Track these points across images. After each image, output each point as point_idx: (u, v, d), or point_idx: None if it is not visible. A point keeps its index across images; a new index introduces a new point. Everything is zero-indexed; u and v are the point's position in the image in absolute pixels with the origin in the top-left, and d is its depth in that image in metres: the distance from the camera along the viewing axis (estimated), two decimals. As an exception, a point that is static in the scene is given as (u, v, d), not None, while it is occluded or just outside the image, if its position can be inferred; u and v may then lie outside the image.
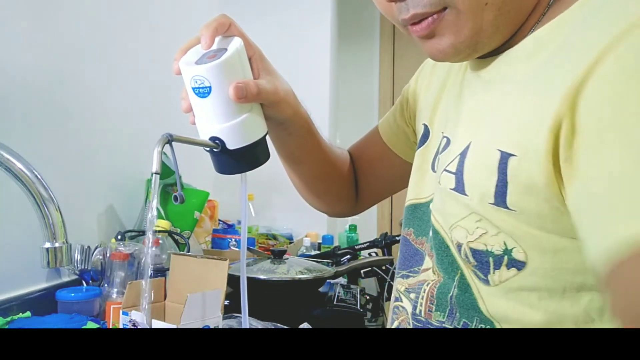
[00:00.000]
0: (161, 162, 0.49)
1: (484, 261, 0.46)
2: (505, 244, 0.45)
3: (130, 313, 0.73)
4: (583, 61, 0.37)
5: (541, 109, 0.40)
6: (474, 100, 0.53)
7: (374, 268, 1.39)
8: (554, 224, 0.42)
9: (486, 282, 0.47)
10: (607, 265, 0.34)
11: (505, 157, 0.43)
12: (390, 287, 1.42)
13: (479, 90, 0.52)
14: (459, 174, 0.49)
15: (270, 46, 2.37)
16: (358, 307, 1.08)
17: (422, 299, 0.53)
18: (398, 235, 1.56)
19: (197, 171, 1.72)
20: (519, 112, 0.43)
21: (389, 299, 1.45)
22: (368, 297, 1.25)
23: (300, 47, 2.06)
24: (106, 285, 0.92)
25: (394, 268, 1.42)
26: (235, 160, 0.55)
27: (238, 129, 0.54)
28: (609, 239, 0.33)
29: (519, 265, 0.44)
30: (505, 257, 0.45)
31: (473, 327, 0.48)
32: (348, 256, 1.50)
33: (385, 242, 1.54)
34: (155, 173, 0.48)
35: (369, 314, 1.14)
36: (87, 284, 0.96)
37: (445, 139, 0.56)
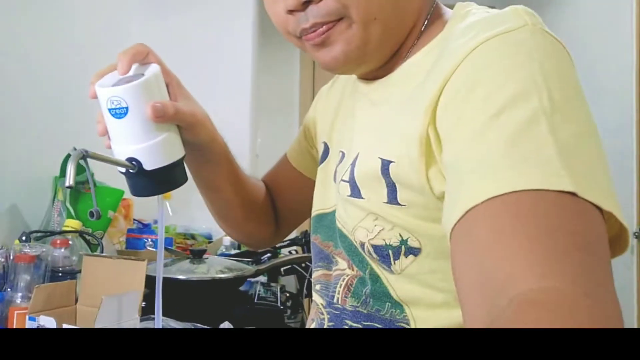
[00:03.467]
0: (74, 175, 0.48)
1: (384, 254, 0.53)
2: (400, 235, 0.51)
3: (38, 318, 0.69)
4: (438, 82, 0.46)
5: (413, 123, 0.48)
6: (362, 118, 0.60)
7: (294, 266, 1.41)
8: (437, 214, 0.47)
9: (391, 272, 0.53)
10: (450, 231, 0.40)
11: (386, 164, 0.51)
12: (310, 283, 1.44)
13: (366, 109, 0.60)
14: (352, 182, 0.55)
15: (192, 45, 2.32)
16: (278, 304, 1.09)
17: (340, 287, 0.58)
18: (318, 233, 1.60)
19: (111, 168, 1.64)
20: (395, 127, 0.51)
21: (308, 295, 1.48)
22: (288, 295, 1.27)
23: (222, 44, 2.03)
24: (9, 289, 0.86)
25: (314, 265, 1.46)
26: (152, 181, 0.55)
27: (155, 149, 0.54)
28: (454, 209, 0.40)
29: (415, 251, 0.51)
30: (402, 247, 0.51)
31: (384, 312, 0.54)
32: (268, 254, 1.50)
33: (305, 240, 1.57)
34: (68, 187, 0.48)
35: (288, 311, 1.16)
36: (-13, 289, 0.89)
37: (340, 154, 0.62)
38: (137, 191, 0.57)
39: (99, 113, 0.55)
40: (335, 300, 0.58)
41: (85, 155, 0.50)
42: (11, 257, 0.88)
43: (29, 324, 0.70)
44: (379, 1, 0.51)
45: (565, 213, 0.36)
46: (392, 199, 0.51)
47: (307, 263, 1.43)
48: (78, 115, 1.42)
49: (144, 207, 1.66)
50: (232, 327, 0.88)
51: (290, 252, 1.62)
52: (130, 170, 0.54)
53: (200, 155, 0.64)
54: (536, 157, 0.37)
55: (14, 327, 0.81)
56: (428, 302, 0.52)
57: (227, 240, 1.70)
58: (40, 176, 1.22)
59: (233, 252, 1.63)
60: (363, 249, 0.54)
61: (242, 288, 1.17)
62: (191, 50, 1.96)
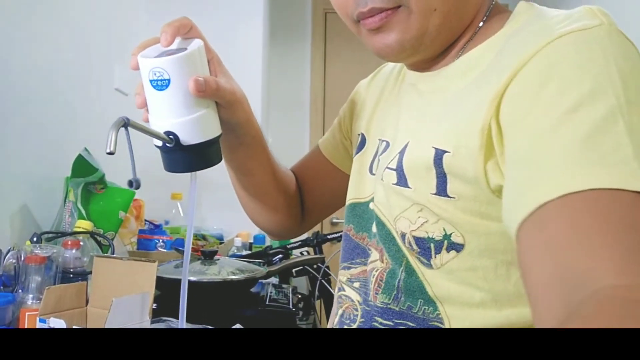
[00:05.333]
0: (115, 142, 0.47)
1: (425, 247, 0.52)
2: (444, 229, 0.51)
3: (48, 320, 0.69)
4: (504, 75, 0.46)
5: (475, 114, 0.48)
6: (411, 108, 0.60)
7: (306, 267, 1.39)
8: (487, 209, 0.48)
9: (429, 266, 0.52)
10: (515, 231, 0.40)
11: (440, 154, 0.50)
12: (322, 285, 1.43)
13: (415, 99, 0.59)
14: (399, 170, 0.55)
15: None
16: (290, 306, 1.08)
17: (372, 284, 0.58)
18: (329, 234, 1.58)
19: (122, 169, 1.64)
20: (452, 118, 0.51)
21: (320, 297, 1.47)
22: (300, 296, 1.26)
23: (232, 44, 2.02)
24: (20, 291, 0.86)
25: (326, 266, 1.44)
26: (187, 157, 0.55)
27: (194, 124, 0.54)
28: (523, 203, 0.40)
29: (457, 247, 0.50)
30: (445, 241, 0.51)
31: (416, 310, 0.53)
32: (280, 255, 1.49)
33: (317, 241, 1.55)
34: (109, 153, 0.47)
35: (300, 313, 1.15)
36: (-2, 290, 0.89)
37: (384, 143, 0.61)
38: (171, 166, 0.56)
39: (138, 85, 0.55)
40: (370, 297, 0.58)
41: (126, 123, 0.48)
42: (22, 258, 0.88)
43: (39, 326, 0.69)
44: None
45: None
46: (441, 190, 0.50)
47: (319, 264, 1.41)
48: (89, 116, 1.42)
49: (155, 208, 1.66)
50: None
51: (302, 253, 1.61)
52: (167, 145, 0.53)
53: (234, 137, 0.63)
54: (613, 156, 0.37)
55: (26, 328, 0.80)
56: (464, 300, 0.51)
57: (239, 241, 1.69)
58: (52, 177, 1.22)
59: (244, 253, 1.62)
60: (403, 239, 0.54)
61: (253, 289, 1.16)
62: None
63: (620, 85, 0.40)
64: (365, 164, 0.65)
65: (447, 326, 0.52)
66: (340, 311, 0.63)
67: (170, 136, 0.53)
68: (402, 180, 0.54)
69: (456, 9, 0.53)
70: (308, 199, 0.81)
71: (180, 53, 0.52)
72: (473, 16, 0.56)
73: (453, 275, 0.51)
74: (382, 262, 0.57)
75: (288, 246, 1.55)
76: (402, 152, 0.55)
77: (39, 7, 1.18)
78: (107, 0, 1.58)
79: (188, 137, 0.53)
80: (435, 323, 0.52)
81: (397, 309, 0.54)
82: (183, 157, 0.55)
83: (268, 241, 1.92)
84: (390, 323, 0.55)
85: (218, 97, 0.56)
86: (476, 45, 0.54)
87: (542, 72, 0.43)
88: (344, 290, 0.64)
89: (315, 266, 1.41)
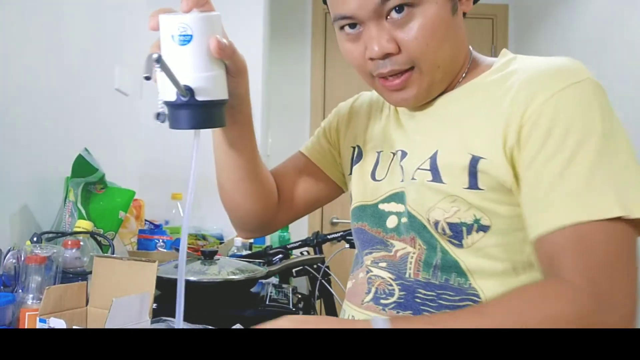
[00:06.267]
0: (152, 69, 0.50)
1: (458, 230, 0.65)
2: (474, 215, 0.64)
3: (48, 320, 0.69)
4: (522, 112, 0.60)
5: (501, 134, 0.62)
6: (421, 126, 0.72)
7: (306, 267, 1.40)
8: (507, 198, 0.63)
9: (460, 246, 0.65)
10: (537, 246, 0.59)
11: (477, 159, 0.63)
12: (322, 285, 1.43)
13: (424, 119, 0.72)
14: (433, 169, 0.67)
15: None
16: (290, 306, 1.08)
17: (411, 264, 0.69)
18: (329, 234, 1.58)
19: (122, 169, 1.64)
20: (477, 131, 0.65)
21: (320, 297, 1.47)
22: (300, 296, 1.26)
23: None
24: (20, 291, 0.86)
25: (326, 266, 1.44)
26: (197, 114, 0.58)
27: (209, 81, 0.58)
28: (540, 224, 0.58)
29: (485, 228, 0.64)
30: (475, 224, 0.64)
31: (452, 282, 0.65)
32: (280, 255, 1.49)
33: (317, 241, 1.56)
34: (147, 78, 0.51)
35: (300, 313, 1.15)
36: (-2, 290, 0.89)
37: (400, 152, 0.73)
38: (178, 123, 0.58)
39: (154, 44, 0.58)
40: (407, 275, 0.69)
41: (160, 58, 0.52)
42: (22, 258, 0.88)
43: (39, 326, 0.69)
44: (441, 54, 0.66)
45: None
46: (473, 184, 0.63)
47: (319, 264, 1.41)
48: (89, 116, 1.42)
49: (155, 208, 1.66)
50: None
51: (302, 253, 1.61)
52: (182, 97, 0.56)
53: (230, 113, 0.67)
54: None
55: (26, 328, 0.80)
56: (491, 271, 0.64)
57: (239, 241, 1.69)
58: (52, 177, 1.22)
59: (244, 253, 1.62)
60: (436, 226, 0.66)
61: (253, 289, 1.16)
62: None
63: (607, 126, 0.58)
64: (366, 172, 0.77)
65: (480, 294, 0.64)
66: (373, 289, 0.72)
67: (187, 90, 0.56)
68: (437, 177, 0.66)
69: (451, 63, 0.68)
70: (289, 195, 0.85)
71: (204, 13, 0.56)
72: (461, 66, 0.71)
73: (481, 252, 0.64)
74: (415, 247, 0.69)
75: (288, 246, 1.55)
76: (433, 157, 0.67)
77: (39, 7, 1.18)
78: (107, 0, 1.58)
79: (203, 93, 0.57)
80: (471, 291, 0.64)
81: (437, 282, 0.66)
82: (191, 114, 0.58)
83: (268, 241, 1.92)
84: (433, 293, 0.66)
85: (233, 60, 0.62)
86: (467, 81, 0.70)
87: (550, 119, 0.58)
88: (372, 271, 0.73)
89: (315, 266, 1.41)
